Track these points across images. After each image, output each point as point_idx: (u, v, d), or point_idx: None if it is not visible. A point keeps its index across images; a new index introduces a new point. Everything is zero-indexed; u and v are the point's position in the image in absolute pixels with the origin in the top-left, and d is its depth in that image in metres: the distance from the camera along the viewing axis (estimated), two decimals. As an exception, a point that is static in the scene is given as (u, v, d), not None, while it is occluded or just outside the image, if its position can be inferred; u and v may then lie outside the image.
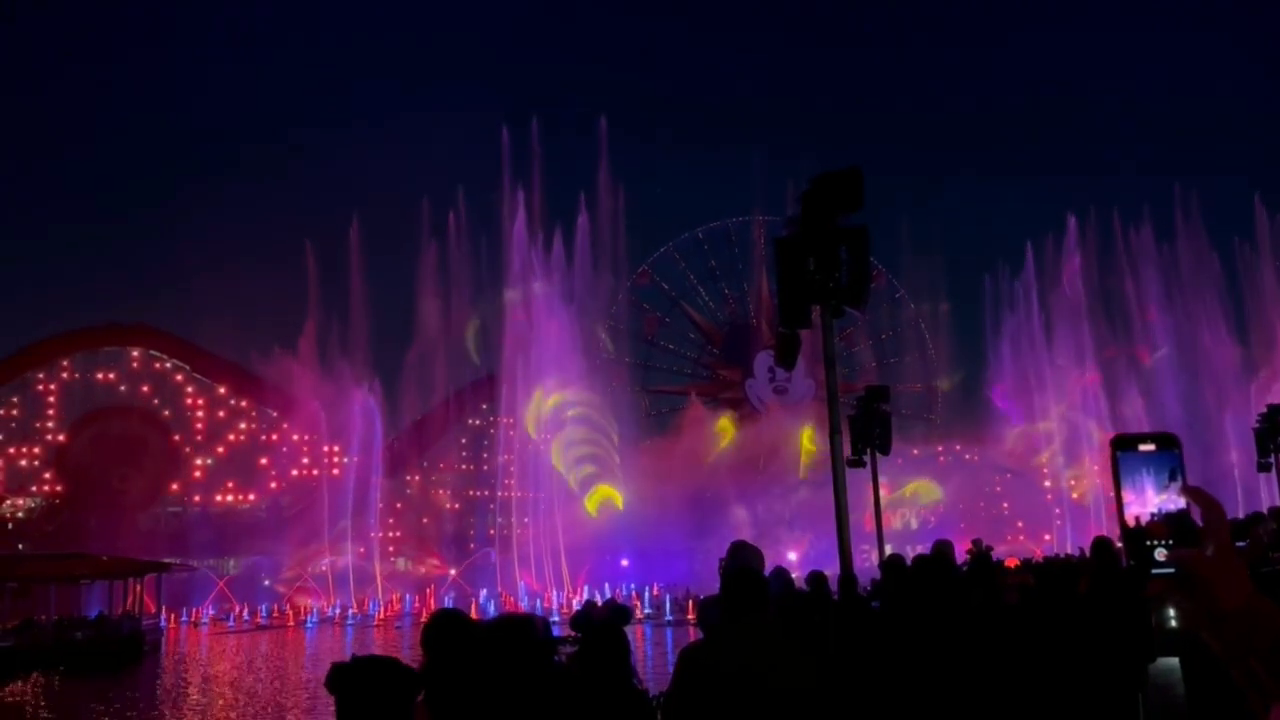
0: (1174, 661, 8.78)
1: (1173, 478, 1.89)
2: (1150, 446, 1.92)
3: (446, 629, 4.18)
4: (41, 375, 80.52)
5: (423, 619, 52.04)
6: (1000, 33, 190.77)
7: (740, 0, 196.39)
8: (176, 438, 79.08)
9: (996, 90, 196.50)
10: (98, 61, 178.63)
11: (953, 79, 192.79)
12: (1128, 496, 1.91)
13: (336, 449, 75.71)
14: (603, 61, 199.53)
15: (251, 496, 78.16)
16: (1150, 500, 1.89)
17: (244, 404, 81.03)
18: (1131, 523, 1.88)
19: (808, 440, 78.16)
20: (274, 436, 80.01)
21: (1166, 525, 1.84)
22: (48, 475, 77.36)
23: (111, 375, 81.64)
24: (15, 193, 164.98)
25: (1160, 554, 1.81)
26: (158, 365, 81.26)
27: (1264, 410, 25.56)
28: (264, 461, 79.51)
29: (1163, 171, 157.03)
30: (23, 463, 78.27)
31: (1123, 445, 1.95)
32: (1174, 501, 1.87)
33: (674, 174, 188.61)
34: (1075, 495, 75.95)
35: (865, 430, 21.41)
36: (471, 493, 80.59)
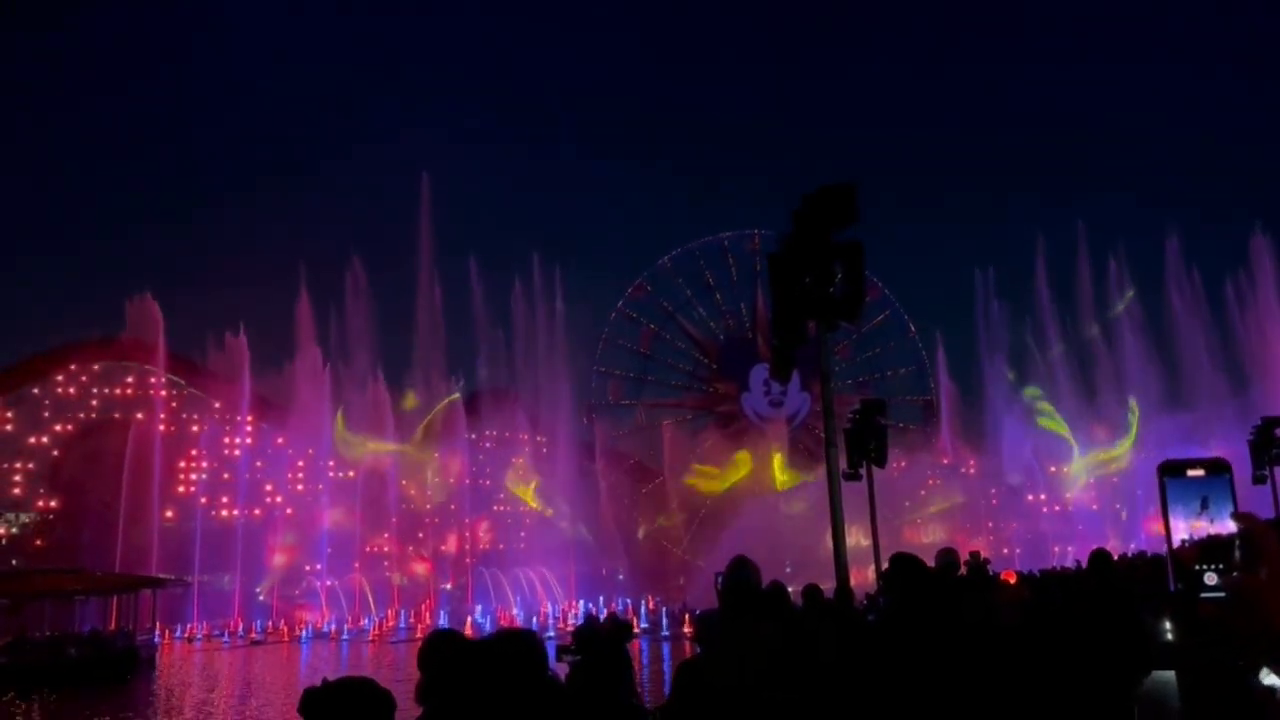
0: (1169, 675, 8.79)
1: (1204, 506, 1.89)
2: (1199, 472, 1.94)
3: (442, 648, 4.17)
4: (36, 390, 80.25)
5: (417, 634, 52.01)
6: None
7: (747, 36, 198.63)
8: (172, 452, 78.66)
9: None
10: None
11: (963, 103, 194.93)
12: (1175, 521, 1.90)
13: (332, 464, 75.65)
14: (599, 81, 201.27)
15: (252, 511, 77.82)
16: (1199, 525, 1.89)
17: (239, 418, 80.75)
18: (1177, 547, 1.88)
19: (778, 469, 79.11)
20: (269, 451, 79.68)
21: (1199, 550, 1.84)
22: (42, 490, 77.00)
23: (107, 389, 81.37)
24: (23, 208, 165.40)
25: (1210, 578, 1.79)
26: (153, 380, 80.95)
27: (1259, 423, 25.43)
28: (259, 476, 79.19)
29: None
30: (16, 478, 77.91)
31: (1171, 471, 1.94)
32: (1223, 525, 1.87)
33: (671, 189, 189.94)
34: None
35: (861, 444, 21.44)
36: (465, 508, 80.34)
